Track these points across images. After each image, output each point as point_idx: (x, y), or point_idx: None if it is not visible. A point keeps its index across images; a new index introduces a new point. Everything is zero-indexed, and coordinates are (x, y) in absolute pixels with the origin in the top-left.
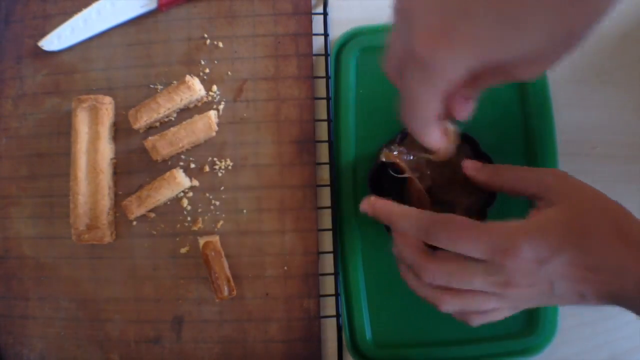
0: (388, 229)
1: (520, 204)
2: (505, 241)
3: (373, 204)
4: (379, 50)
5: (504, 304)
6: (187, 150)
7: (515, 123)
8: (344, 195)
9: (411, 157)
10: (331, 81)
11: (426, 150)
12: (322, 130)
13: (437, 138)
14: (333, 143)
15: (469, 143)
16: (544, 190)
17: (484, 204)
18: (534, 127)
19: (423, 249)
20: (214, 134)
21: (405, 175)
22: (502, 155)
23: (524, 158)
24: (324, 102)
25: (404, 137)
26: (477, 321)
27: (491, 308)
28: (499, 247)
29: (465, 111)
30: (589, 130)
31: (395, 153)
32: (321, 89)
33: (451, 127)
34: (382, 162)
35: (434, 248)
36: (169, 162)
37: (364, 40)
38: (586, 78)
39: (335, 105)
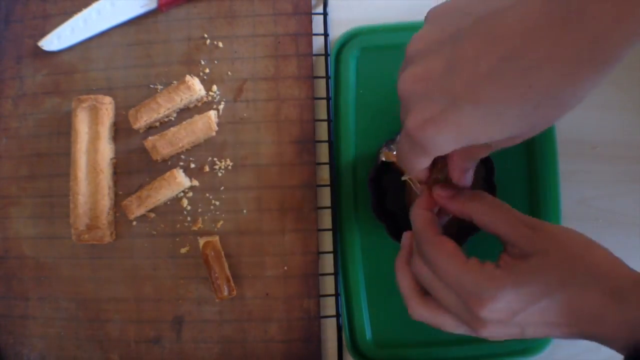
0: (391, 232)
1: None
2: (480, 290)
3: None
4: (379, 50)
5: (471, 334)
6: (187, 150)
7: None
8: (344, 195)
9: None
10: (331, 81)
11: None
12: (322, 130)
13: (424, 177)
14: (333, 143)
15: None
16: (516, 240)
17: None
18: None
19: (436, 231)
20: (214, 134)
21: (405, 177)
22: (501, 156)
23: (524, 158)
24: (324, 102)
25: None
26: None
27: (456, 333)
28: (473, 294)
29: (465, 180)
30: (589, 130)
31: (395, 153)
32: (321, 89)
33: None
34: (382, 162)
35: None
36: (169, 162)
37: (364, 40)
38: None
39: (335, 105)
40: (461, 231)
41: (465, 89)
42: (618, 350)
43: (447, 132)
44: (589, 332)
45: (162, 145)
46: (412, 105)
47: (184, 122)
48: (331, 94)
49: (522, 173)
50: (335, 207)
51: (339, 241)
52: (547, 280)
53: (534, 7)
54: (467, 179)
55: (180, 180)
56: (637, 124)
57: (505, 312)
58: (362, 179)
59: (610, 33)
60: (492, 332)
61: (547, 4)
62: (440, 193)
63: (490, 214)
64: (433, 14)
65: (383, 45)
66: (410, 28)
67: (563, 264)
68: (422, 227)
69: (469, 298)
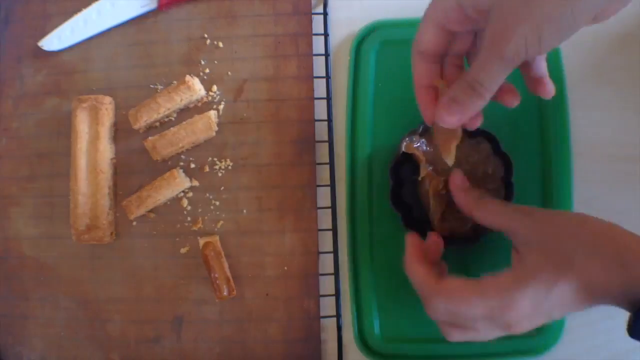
0: (406, 223)
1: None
2: (500, 300)
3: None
4: (399, 43)
5: (508, 333)
6: (187, 150)
7: (531, 121)
8: (359, 189)
9: (430, 149)
10: (350, 74)
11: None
12: (322, 130)
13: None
14: (334, 140)
15: (489, 141)
16: (515, 237)
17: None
18: (549, 127)
19: (429, 276)
20: (214, 134)
21: (422, 174)
22: (518, 155)
23: (539, 157)
24: (324, 102)
25: (427, 129)
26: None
27: (496, 337)
28: (497, 307)
29: (475, 121)
30: (589, 130)
31: (416, 145)
32: (321, 89)
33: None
34: (403, 153)
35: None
36: (169, 162)
37: (384, 34)
38: (586, 78)
39: (353, 98)
40: (476, 232)
41: None
42: (628, 308)
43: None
44: (602, 299)
45: (162, 146)
46: None
47: (184, 122)
48: (350, 88)
49: (536, 173)
50: (335, 207)
51: (350, 236)
52: (552, 268)
53: None
54: (478, 122)
55: (180, 180)
56: (637, 124)
57: (529, 307)
58: (378, 173)
59: None
60: (525, 328)
61: None
62: (456, 181)
63: (490, 214)
64: None
65: (403, 39)
66: None
67: (562, 246)
68: (421, 282)
69: (495, 312)
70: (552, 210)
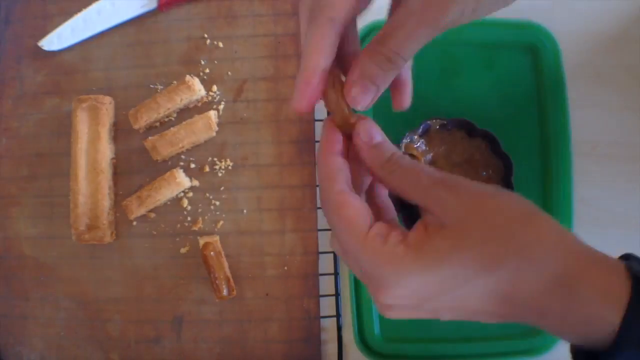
0: (406, 224)
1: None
2: (379, 274)
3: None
4: None
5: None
6: (187, 150)
7: (531, 121)
8: None
9: (430, 150)
10: None
11: (446, 145)
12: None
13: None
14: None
15: (489, 141)
16: (429, 206)
17: None
18: (549, 127)
19: (340, 187)
20: (214, 134)
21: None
22: (518, 155)
23: (539, 157)
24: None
25: (427, 129)
26: None
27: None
28: (372, 277)
29: (362, 100)
30: (589, 130)
31: (416, 145)
32: None
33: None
34: (403, 153)
35: None
36: (169, 162)
37: None
38: (586, 78)
39: None
40: None
41: None
42: (565, 339)
43: None
44: (529, 320)
45: (162, 145)
46: None
47: (184, 122)
48: None
49: (536, 173)
50: None
51: None
52: (463, 264)
53: None
54: (367, 98)
55: (181, 180)
56: (637, 124)
57: (410, 299)
58: None
59: None
60: (399, 316)
61: None
62: (362, 134)
63: (406, 178)
64: None
65: None
66: None
67: (487, 242)
68: (325, 178)
69: (368, 281)
70: (484, 191)
